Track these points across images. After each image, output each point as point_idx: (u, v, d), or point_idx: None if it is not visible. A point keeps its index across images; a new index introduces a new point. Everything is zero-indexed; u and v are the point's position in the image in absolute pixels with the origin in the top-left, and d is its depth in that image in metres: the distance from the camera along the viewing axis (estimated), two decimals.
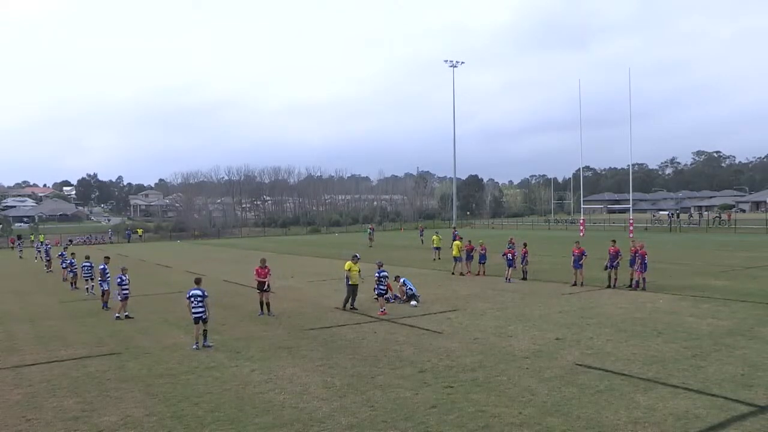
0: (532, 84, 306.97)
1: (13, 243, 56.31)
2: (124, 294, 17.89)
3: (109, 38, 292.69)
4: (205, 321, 13.67)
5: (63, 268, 28.53)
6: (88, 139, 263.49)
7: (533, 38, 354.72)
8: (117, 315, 17.87)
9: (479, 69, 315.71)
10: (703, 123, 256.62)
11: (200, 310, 13.58)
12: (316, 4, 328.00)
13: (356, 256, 18.75)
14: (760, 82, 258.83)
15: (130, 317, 17.83)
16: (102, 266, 20.38)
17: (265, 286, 17.75)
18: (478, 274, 26.66)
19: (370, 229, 58.85)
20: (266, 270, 17.90)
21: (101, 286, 20.04)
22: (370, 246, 48.92)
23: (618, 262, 21.48)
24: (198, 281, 14.25)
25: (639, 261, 20.76)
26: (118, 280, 18.08)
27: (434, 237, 36.05)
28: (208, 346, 13.63)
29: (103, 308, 19.63)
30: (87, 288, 23.53)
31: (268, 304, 17.99)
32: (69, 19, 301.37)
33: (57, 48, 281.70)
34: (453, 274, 27.32)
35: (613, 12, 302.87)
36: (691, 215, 79.21)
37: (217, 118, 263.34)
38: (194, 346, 13.60)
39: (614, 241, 22.05)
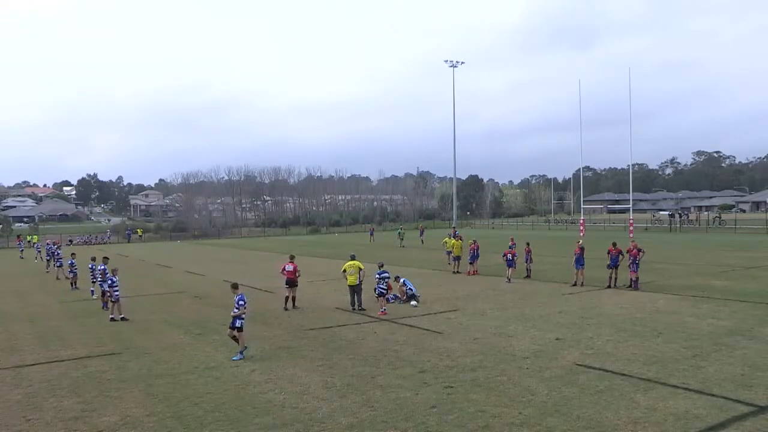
0: (537, 84, 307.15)
1: (19, 242, 56.31)
2: (115, 295, 17.67)
3: (111, 38, 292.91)
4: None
5: (68, 265, 28.53)
6: (89, 140, 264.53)
7: (540, 39, 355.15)
8: (112, 316, 17.65)
9: (484, 69, 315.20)
10: (704, 123, 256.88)
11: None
12: (317, 4, 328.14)
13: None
14: (762, 82, 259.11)
15: (126, 319, 17.62)
16: (102, 267, 20.38)
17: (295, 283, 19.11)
18: (456, 272, 27.39)
19: (420, 229, 58.40)
20: (295, 266, 19.17)
21: (101, 286, 20.01)
22: (402, 246, 48.51)
23: (619, 263, 21.54)
24: (237, 286, 13.47)
25: (630, 260, 21.07)
26: (110, 281, 17.98)
27: (447, 240, 31.46)
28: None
29: (103, 308, 19.60)
30: (92, 290, 23.39)
31: (294, 299, 19.14)
32: (70, 19, 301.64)
33: (58, 48, 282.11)
34: (455, 272, 27.48)
35: (620, 12, 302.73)
36: (683, 216, 78.05)
37: (218, 118, 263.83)
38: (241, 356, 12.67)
39: (615, 243, 22.07)
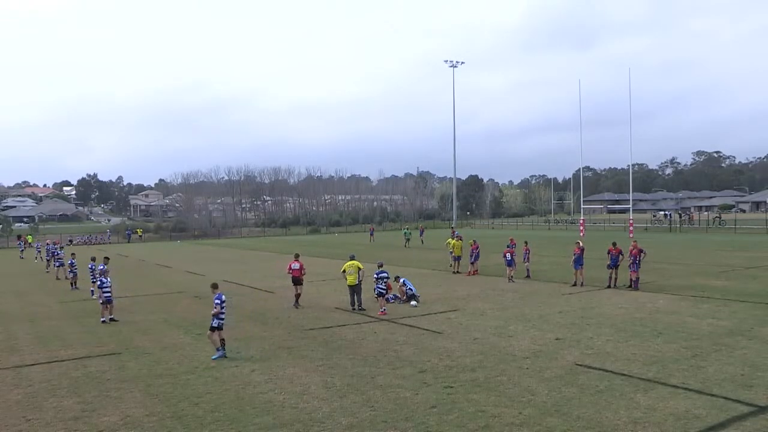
0: (537, 84, 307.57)
1: (20, 242, 56.38)
2: (106, 297, 17.48)
3: (111, 38, 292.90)
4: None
5: (68, 265, 28.56)
6: (89, 140, 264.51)
7: (540, 39, 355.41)
8: (111, 317, 17.54)
9: (484, 69, 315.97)
10: (704, 123, 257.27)
11: (224, 316, 12.90)
12: (317, 4, 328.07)
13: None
14: (762, 82, 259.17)
15: (115, 320, 17.50)
16: (101, 266, 20.41)
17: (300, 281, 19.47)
18: (456, 272, 27.50)
19: (420, 229, 57.89)
20: (301, 264, 19.48)
21: None
22: (407, 246, 48.20)
23: (619, 263, 21.53)
24: (217, 286, 13.37)
25: (631, 260, 21.05)
26: (99, 282, 17.89)
27: (450, 240, 29.88)
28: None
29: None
30: (92, 290, 23.40)
31: (298, 296, 19.45)
32: (70, 19, 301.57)
33: (58, 48, 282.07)
34: (455, 272, 27.47)
35: (620, 12, 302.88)
36: (682, 216, 77.55)
37: (218, 118, 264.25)
38: (221, 354, 12.68)
39: (615, 243, 22.06)
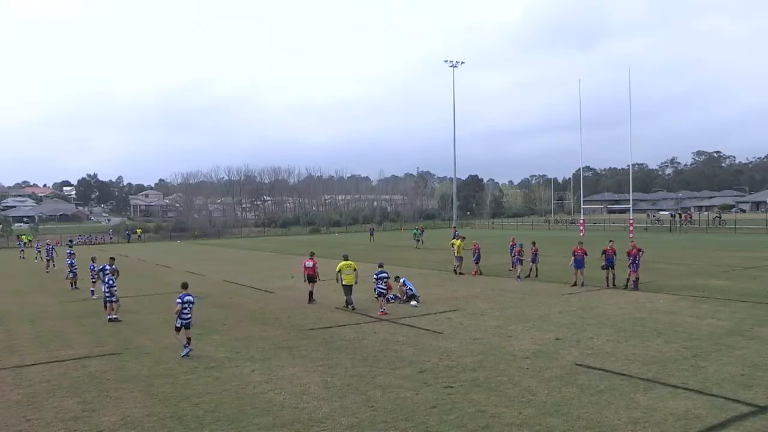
0: (538, 84, 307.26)
1: (20, 242, 56.45)
2: (114, 296, 17.64)
3: (111, 38, 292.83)
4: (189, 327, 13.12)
5: (68, 266, 28.53)
6: (89, 139, 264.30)
7: (541, 38, 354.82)
8: (109, 317, 17.60)
9: (485, 69, 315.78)
10: (704, 123, 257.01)
11: (189, 316, 12.99)
12: (317, 4, 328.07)
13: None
14: (763, 82, 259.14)
15: (116, 320, 17.59)
16: (103, 266, 20.40)
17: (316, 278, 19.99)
18: (456, 272, 27.33)
19: (420, 230, 57.63)
20: (314, 262, 20.00)
21: (102, 286, 19.97)
22: (417, 247, 47.72)
23: (615, 263, 21.56)
24: (186, 286, 13.48)
25: (630, 261, 21.03)
26: (110, 281, 17.99)
27: (454, 241, 29.00)
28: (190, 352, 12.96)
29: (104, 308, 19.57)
30: (92, 290, 23.40)
31: (311, 293, 19.91)
32: (70, 18, 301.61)
33: (58, 48, 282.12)
34: (455, 273, 27.41)
35: (621, 12, 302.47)
36: (681, 215, 77.02)
37: (218, 118, 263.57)
38: (187, 352, 12.89)
39: (612, 242, 22.08)
